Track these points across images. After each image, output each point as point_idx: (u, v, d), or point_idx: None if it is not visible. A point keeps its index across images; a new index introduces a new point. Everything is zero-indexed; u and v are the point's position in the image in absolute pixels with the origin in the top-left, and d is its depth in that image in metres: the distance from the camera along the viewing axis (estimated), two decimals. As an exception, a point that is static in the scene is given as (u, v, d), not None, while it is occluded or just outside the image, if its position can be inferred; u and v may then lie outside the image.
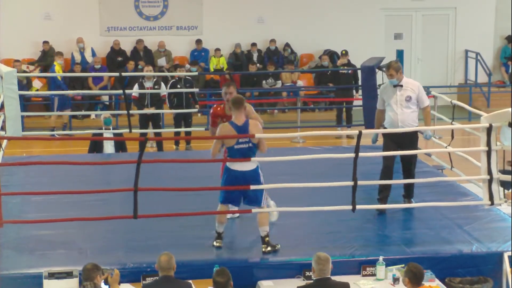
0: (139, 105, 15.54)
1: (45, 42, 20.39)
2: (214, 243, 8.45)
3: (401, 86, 9.71)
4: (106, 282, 7.17)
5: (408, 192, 9.92)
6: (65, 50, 20.71)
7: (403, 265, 7.85)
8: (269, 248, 8.30)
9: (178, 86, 15.72)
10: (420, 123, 9.93)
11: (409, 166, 9.87)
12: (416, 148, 9.87)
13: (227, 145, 8.31)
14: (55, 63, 18.21)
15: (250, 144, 8.26)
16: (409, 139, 9.65)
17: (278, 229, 8.95)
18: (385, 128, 9.80)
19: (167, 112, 16.22)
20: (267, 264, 8.09)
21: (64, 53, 20.56)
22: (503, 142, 8.59)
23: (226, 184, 8.35)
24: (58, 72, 17.75)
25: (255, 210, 8.38)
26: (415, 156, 9.89)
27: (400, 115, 9.67)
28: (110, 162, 11.48)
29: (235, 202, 8.45)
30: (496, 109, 9.61)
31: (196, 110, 16.04)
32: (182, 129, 15.63)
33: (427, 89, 17.08)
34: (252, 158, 8.29)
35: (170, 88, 15.74)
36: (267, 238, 8.35)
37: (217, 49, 21.07)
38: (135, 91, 15.41)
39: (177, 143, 16.35)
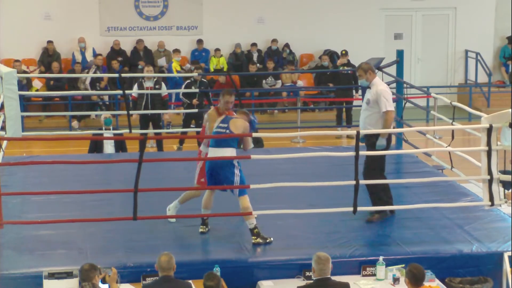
0: (136, 106, 15.50)
1: (50, 42, 20.39)
2: (200, 230, 8.82)
3: (370, 88, 9.30)
4: (103, 281, 7.17)
5: (372, 199, 9.37)
6: (65, 50, 20.77)
7: (403, 265, 7.86)
8: (259, 239, 8.43)
9: (193, 87, 15.74)
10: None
11: (365, 172, 9.24)
12: (375, 154, 9.16)
13: (209, 128, 8.93)
14: (172, 60, 18.34)
15: (227, 131, 8.62)
16: (368, 144, 9.27)
17: (278, 229, 8.95)
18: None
19: (168, 112, 16.21)
20: (267, 264, 8.10)
21: (64, 53, 20.66)
22: (504, 142, 8.60)
23: (207, 172, 8.76)
24: (175, 68, 17.84)
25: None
26: (374, 163, 9.22)
27: (361, 116, 9.40)
28: (110, 161, 11.49)
29: (213, 183, 8.72)
30: (496, 109, 9.63)
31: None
32: (191, 129, 15.65)
33: (427, 89, 17.19)
34: (231, 151, 8.63)
35: (185, 88, 15.83)
36: (256, 230, 8.51)
37: (217, 49, 21.07)
38: (134, 91, 15.41)
39: (181, 143, 16.35)
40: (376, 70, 12.37)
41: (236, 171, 8.61)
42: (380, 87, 9.21)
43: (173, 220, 9.19)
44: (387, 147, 9.31)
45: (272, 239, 8.55)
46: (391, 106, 9.16)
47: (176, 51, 20.49)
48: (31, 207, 9.68)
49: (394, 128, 9.35)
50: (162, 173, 10.73)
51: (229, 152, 8.62)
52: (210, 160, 8.65)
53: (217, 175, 8.64)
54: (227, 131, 8.63)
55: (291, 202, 9.48)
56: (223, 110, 9.15)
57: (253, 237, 8.52)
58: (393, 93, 13.72)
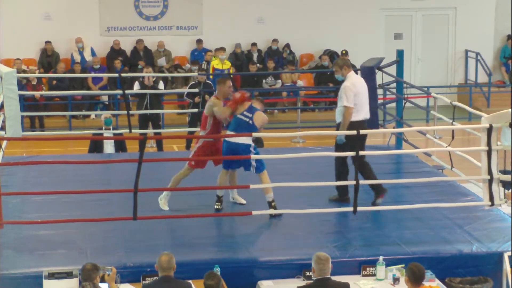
0: (140, 103, 15.53)
1: (48, 42, 20.40)
2: (215, 206, 9.45)
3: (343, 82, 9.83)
4: (102, 280, 7.17)
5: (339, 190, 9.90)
6: (65, 50, 20.77)
7: (403, 265, 7.86)
8: (275, 213, 9.11)
9: (197, 89, 15.77)
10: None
11: (337, 168, 9.85)
12: (349, 145, 9.44)
13: (237, 111, 9.34)
14: (213, 58, 18.54)
15: (250, 122, 9.29)
16: (346, 137, 9.66)
17: (278, 229, 8.96)
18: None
19: (168, 112, 16.22)
20: (267, 264, 8.09)
21: (64, 53, 20.66)
22: (504, 142, 8.59)
23: (224, 153, 9.29)
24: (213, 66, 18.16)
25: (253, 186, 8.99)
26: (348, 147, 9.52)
27: (336, 109, 9.87)
28: (110, 161, 11.49)
29: (234, 167, 9.46)
30: (496, 109, 9.63)
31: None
32: (196, 129, 15.65)
33: (427, 89, 17.18)
34: (248, 137, 9.15)
35: (190, 89, 15.88)
36: (273, 203, 9.24)
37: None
38: (135, 90, 15.42)
39: (188, 146, 16.33)
40: (376, 70, 12.44)
41: (253, 155, 9.14)
42: (345, 83, 9.67)
43: (166, 208, 9.51)
44: (362, 141, 9.65)
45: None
46: (348, 103, 9.56)
47: (221, 49, 20.24)
48: (31, 207, 9.68)
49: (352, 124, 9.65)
50: (162, 173, 10.72)
51: (248, 140, 9.18)
52: (234, 144, 9.16)
53: (237, 155, 9.21)
54: (251, 121, 9.28)
55: (291, 202, 9.48)
56: (224, 96, 9.57)
57: (271, 209, 9.16)
58: (393, 93, 13.85)
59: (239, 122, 9.29)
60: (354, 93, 9.60)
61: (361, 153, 8.57)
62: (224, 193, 9.56)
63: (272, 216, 9.21)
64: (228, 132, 9.29)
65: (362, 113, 9.75)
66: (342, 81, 9.77)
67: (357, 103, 9.64)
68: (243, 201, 9.73)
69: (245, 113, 9.33)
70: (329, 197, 9.90)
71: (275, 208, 9.21)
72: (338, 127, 9.76)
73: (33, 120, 18.85)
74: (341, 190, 9.85)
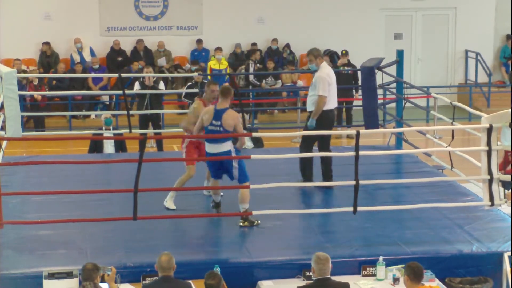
0: (141, 103, 15.54)
1: (46, 43, 20.38)
2: (214, 211, 9.34)
3: (316, 72, 10.24)
4: (102, 280, 7.17)
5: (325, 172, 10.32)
6: (65, 50, 20.77)
7: (403, 265, 7.85)
8: (246, 223, 8.83)
9: (195, 89, 15.77)
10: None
11: (321, 146, 10.35)
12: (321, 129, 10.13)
13: (204, 124, 9.01)
14: (212, 57, 18.61)
15: (221, 129, 8.85)
16: (317, 122, 10.14)
17: (278, 229, 8.95)
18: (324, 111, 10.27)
19: (168, 112, 16.23)
20: (267, 264, 8.09)
21: (64, 53, 20.66)
22: (504, 142, 8.59)
23: (210, 165, 9.17)
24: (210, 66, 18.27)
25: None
26: (324, 138, 10.23)
27: (308, 98, 10.31)
28: (110, 161, 11.49)
29: (218, 176, 9.22)
30: (496, 109, 9.63)
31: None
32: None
33: (427, 89, 17.18)
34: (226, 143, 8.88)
35: (188, 90, 15.88)
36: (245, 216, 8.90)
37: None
38: (136, 90, 15.42)
39: None
40: (376, 71, 12.44)
41: (235, 164, 8.91)
42: (320, 74, 10.14)
43: (174, 207, 9.49)
44: (329, 126, 10.26)
45: (259, 222, 8.91)
46: (324, 92, 10.08)
47: (218, 49, 20.32)
48: (31, 207, 9.68)
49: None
50: (162, 173, 10.73)
51: (226, 146, 8.88)
52: (213, 154, 8.93)
53: (220, 166, 9.04)
54: (221, 128, 8.87)
55: (291, 202, 9.48)
56: (209, 99, 9.48)
57: (241, 221, 8.90)
58: (393, 93, 13.85)
59: (211, 133, 8.97)
60: (328, 83, 10.09)
61: (361, 153, 8.53)
62: (220, 199, 9.43)
63: (243, 226, 8.95)
64: (206, 145, 9.04)
65: (333, 102, 10.29)
66: (315, 71, 10.23)
67: (330, 93, 10.15)
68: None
69: (213, 122, 8.91)
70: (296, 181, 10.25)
71: (246, 219, 8.94)
72: (310, 115, 10.21)
73: (36, 121, 18.81)
74: (308, 176, 10.33)
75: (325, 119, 10.17)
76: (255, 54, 20.26)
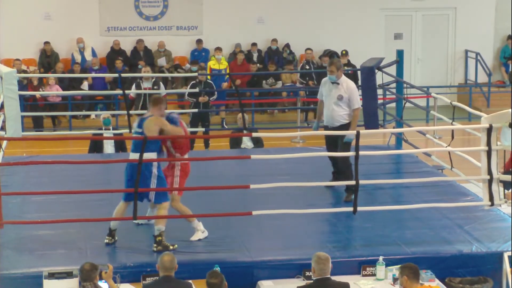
0: (136, 104, 15.54)
1: (46, 43, 20.39)
2: (105, 240, 8.43)
3: (338, 84, 10.00)
4: (100, 278, 7.18)
5: (347, 190, 9.85)
6: (65, 50, 20.76)
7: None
8: (159, 247, 8.16)
9: (197, 88, 15.78)
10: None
11: (341, 165, 10.02)
12: (347, 146, 9.86)
13: (133, 129, 8.73)
14: (212, 57, 18.72)
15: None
16: (339, 138, 9.93)
17: (278, 229, 8.95)
18: (323, 122, 10.24)
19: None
20: (267, 264, 8.09)
21: (64, 53, 20.66)
22: (504, 142, 8.59)
23: (128, 178, 8.43)
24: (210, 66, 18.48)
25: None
26: (346, 156, 9.53)
27: (331, 111, 10.03)
28: (110, 161, 11.48)
29: (132, 198, 8.30)
30: (496, 109, 9.62)
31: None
32: (198, 129, 15.67)
33: (427, 89, 17.18)
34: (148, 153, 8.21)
35: (190, 89, 15.89)
36: (159, 238, 8.25)
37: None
38: (132, 91, 15.42)
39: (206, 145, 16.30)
40: (376, 71, 12.45)
41: (154, 180, 8.35)
42: (352, 86, 10.03)
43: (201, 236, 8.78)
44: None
45: (176, 246, 8.28)
46: (359, 104, 10.09)
47: (217, 49, 20.35)
48: (31, 207, 9.68)
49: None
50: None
51: (148, 156, 8.23)
52: (132, 165, 8.29)
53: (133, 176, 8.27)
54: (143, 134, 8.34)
55: (291, 202, 9.48)
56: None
57: (154, 245, 8.24)
58: (393, 93, 13.86)
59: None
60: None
61: (361, 153, 8.55)
62: (118, 227, 8.56)
63: (156, 251, 8.18)
64: (131, 153, 8.49)
65: None
66: (335, 82, 10.00)
67: None
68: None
69: (137, 129, 8.50)
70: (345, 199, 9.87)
71: (159, 243, 8.20)
72: (338, 129, 9.97)
73: (39, 121, 18.78)
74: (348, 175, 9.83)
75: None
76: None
